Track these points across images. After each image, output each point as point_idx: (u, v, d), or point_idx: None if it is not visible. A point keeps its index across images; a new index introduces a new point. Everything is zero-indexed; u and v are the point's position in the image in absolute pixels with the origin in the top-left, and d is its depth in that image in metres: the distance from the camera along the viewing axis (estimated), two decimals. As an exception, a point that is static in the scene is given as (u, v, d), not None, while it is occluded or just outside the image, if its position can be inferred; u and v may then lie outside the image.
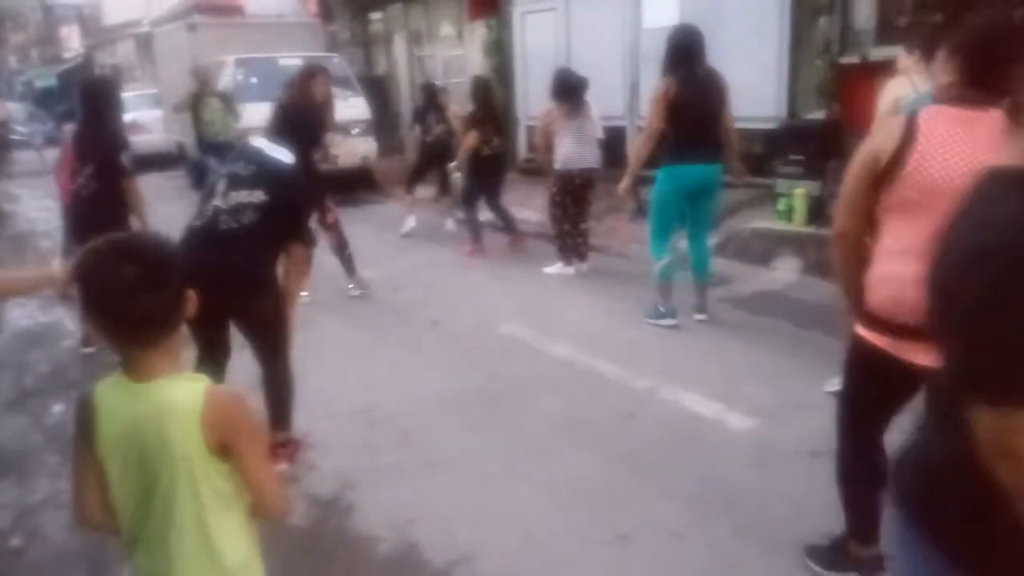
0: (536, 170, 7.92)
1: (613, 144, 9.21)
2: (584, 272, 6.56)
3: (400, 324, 5.54)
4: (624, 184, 5.37)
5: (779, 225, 6.59)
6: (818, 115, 7.03)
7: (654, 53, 8.44)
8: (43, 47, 36.51)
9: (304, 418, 3.73)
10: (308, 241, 3.42)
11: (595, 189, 6.65)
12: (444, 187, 8.71)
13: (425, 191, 8.86)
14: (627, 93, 9.33)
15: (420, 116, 8.45)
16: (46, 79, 31.74)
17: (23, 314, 6.12)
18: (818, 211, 6.27)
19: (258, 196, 3.16)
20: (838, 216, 2.26)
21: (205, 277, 3.08)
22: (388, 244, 7.90)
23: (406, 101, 14.00)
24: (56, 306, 6.25)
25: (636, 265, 6.56)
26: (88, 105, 4.78)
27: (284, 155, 3.32)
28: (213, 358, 3.31)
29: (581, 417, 3.92)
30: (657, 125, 4.84)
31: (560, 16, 10.18)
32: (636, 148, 4.87)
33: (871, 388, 2.36)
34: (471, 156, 7.26)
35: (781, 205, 6.61)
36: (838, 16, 7.18)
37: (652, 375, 4.33)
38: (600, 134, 6.47)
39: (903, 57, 4.02)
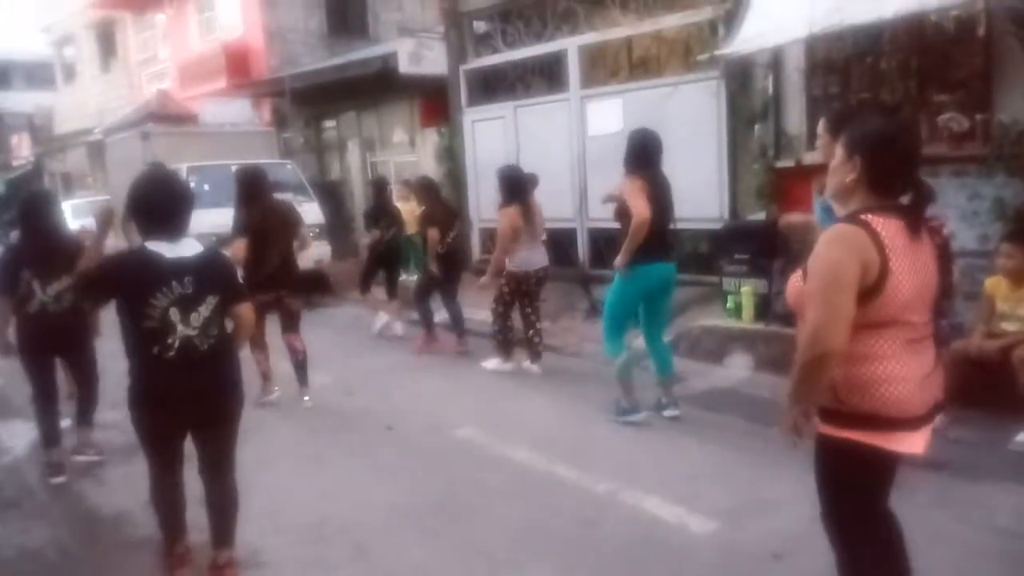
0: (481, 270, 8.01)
1: (564, 245, 9.46)
2: (537, 372, 6.56)
3: (354, 430, 5.43)
4: (620, 261, 5.07)
5: (728, 322, 6.73)
6: (759, 216, 7.31)
7: (599, 158, 8.91)
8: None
9: (250, 533, 3.58)
10: (245, 294, 3.40)
11: (543, 287, 6.79)
12: (392, 290, 8.68)
13: (377, 292, 8.86)
14: (576, 197, 9.61)
15: (374, 219, 8.48)
16: (-7, 186, 31.38)
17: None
18: (765, 308, 6.44)
19: (212, 302, 3.12)
20: (829, 334, 2.09)
21: (196, 397, 3.12)
22: (341, 348, 7.82)
23: (360, 205, 14.18)
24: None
25: (591, 364, 6.60)
26: (29, 220, 4.71)
27: (193, 246, 3.14)
28: (174, 472, 3.25)
29: (541, 526, 3.84)
30: (648, 214, 4.81)
31: (508, 123, 10.55)
32: (630, 240, 4.88)
33: (869, 485, 2.33)
34: (434, 256, 7.34)
35: (729, 303, 6.77)
36: (771, 123, 7.59)
37: (611, 478, 4.28)
38: (543, 235, 6.67)
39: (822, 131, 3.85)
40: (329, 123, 15.88)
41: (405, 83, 12.27)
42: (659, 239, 5.01)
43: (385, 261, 8.48)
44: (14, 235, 5.97)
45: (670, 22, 8.66)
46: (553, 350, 7.08)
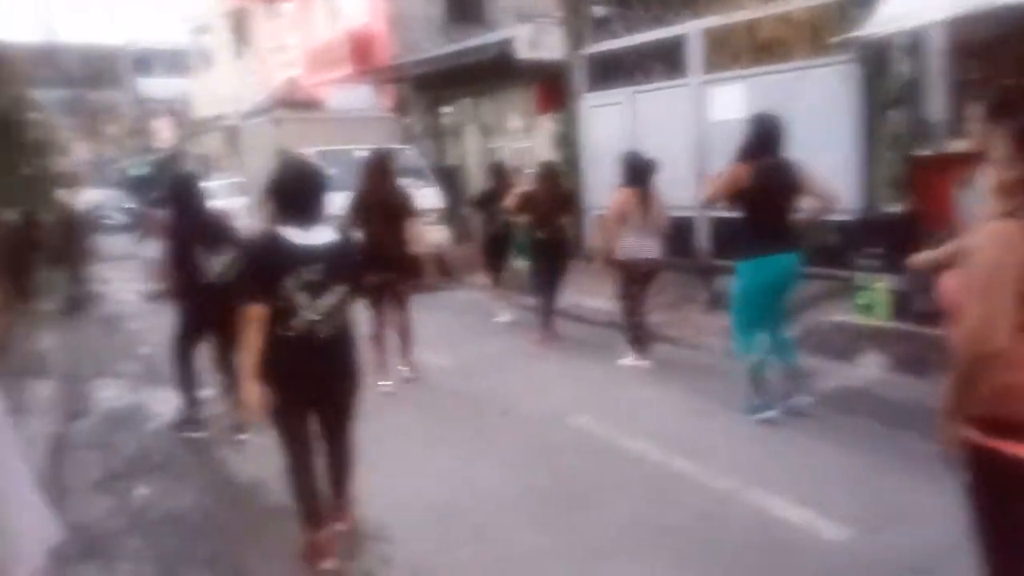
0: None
1: (682, 234, 9.27)
2: (645, 366, 6.40)
3: (470, 414, 5.54)
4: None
5: (860, 319, 6.43)
6: (894, 208, 6.94)
7: (721, 144, 8.66)
8: (136, 138, 38.94)
9: (375, 509, 3.73)
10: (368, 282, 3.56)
11: (655, 280, 6.58)
12: (501, 275, 8.65)
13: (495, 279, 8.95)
14: (695, 184, 9.40)
15: (485, 203, 8.50)
16: (139, 168, 33.79)
17: (111, 395, 6.36)
18: (902, 306, 6.11)
19: (339, 291, 3.26)
20: (990, 332, 2.02)
21: (314, 380, 3.30)
22: (457, 331, 7.99)
23: (476, 190, 14.39)
24: (143, 387, 6.50)
25: (709, 357, 6.47)
26: (178, 200, 5.09)
27: (326, 234, 3.29)
28: (304, 443, 3.42)
29: (657, 519, 3.82)
30: (715, 199, 4.99)
31: (626, 109, 10.42)
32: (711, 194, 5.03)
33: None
34: (532, 241, 7.30)
35: (861, 299, 6.47)
36: (910, 109, 7.17)
37: (732, 476, 4.20)
38: (665, 223, 6.41)
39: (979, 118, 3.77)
40: (447, 109, 16.15)
41: (522, 69, 12.31)
42: (779, 229, 4.84)
43: (501, 247, 8.52)
44: (154, 214, 6.43)
45: (799, 3, 8.31)
46: (670, 341, 6.97)
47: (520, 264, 8.34)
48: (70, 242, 10.76)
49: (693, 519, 3.78)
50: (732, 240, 5.05)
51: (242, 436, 4.99)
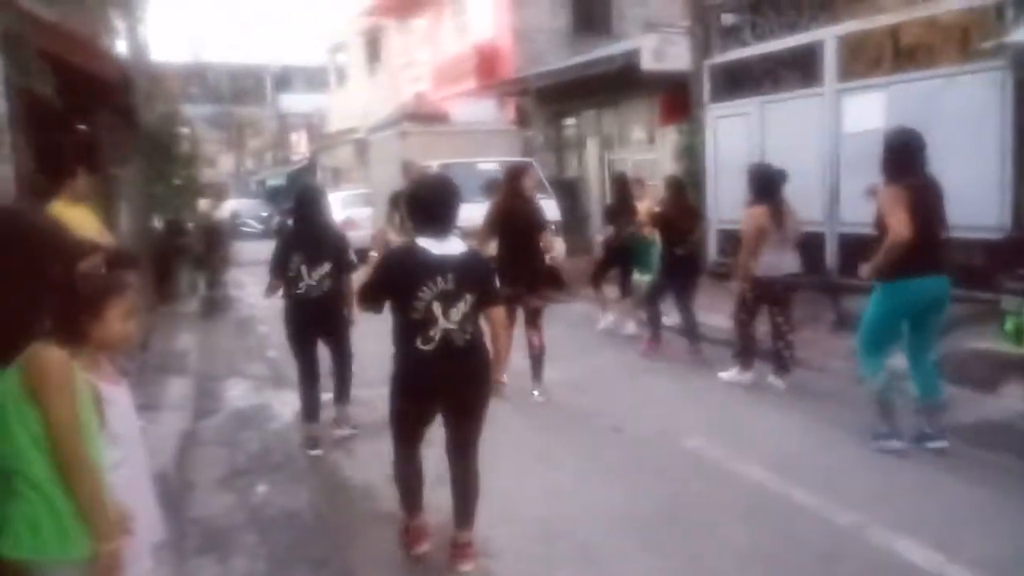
0: (726, 274, 7.69)
1: (811, 250, 8.84)
2: (781, 387, 6.13)
3: (581, 429, 5.46)
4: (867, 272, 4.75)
5: (1006, 346, 5.91)
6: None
7: (857, 157, 8.20)
8: (275, 150, 41.27)
9: (480, 522, 3.72)
10: (499, 296, 3.52)
11: (795, 296, 6.35)
12: (625, 288, 8.63)
13: (608, 291, 8.85)
14: (826, 198, 8.95)
15: (613, 216, 8.50)
16: (276, 178, 35.81)
17: (239, 394, 6.70)
18: (1055, 334, 5.58)
19: (470, 301, 3.30)
20: None
21: (449, 389, 3.37)
22: (571, 344, 7.92)
23: (596, 203, 14.30)
24: (268, 388, 6.81)
25: (835, 382, 6.13)
26: (302, 210, 5.26)
27: (458, 245, 3.37)
28: (416, 453, 3.57)
29: (774, 552, 3.61)
30: (907, 233, 4.40)
31: (753, 120, 10.05)
32: (884, 256, 4.49)
33: None
34: (665, 255, 7.21)
35: (1008, 324, 5.94)
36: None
37: (856, 511, 3.92)
38: (799, 236, 6.24)
39: None
40: (569, 121, 16.16)
41: (646, 80, 12.15)
42: (928, 250, 4.52)
43: (620, 259, 8.45)
44: (288, 222, 6.71)
45: (948, 5, 7.76)
46: (795, 363, 6.64)
47: (643, 278, 8.23)
48: (211, 248, 11.45)
49: (813, 556, 3.55)
50: (863, 257, 4.73)
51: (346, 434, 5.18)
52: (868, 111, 8.29)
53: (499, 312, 3.48)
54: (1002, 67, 6.99)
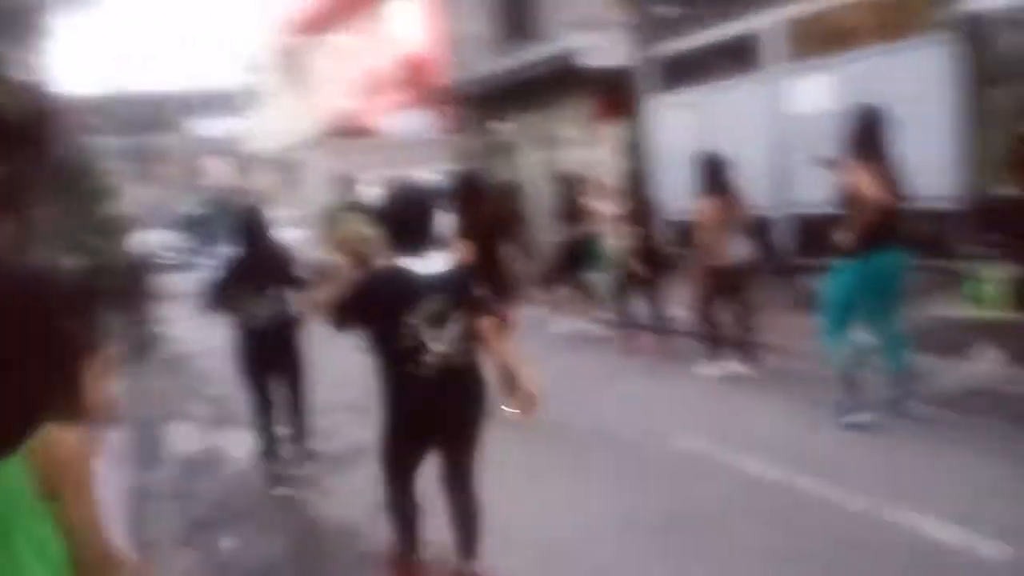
0: (678, 266, 7.60)
1: (762, 235, 8.80)
2: (750, 374, 6.05)
3: (564, 439, 5.17)
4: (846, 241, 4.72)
5: (970, 311, 5.92)
6: (1006, 191, 6.37)
7: (802, 138, 8.20)
8: (189, 178, 39.79)
9: (484, 549, 3.42)
10: (494, 307, 3.30)
11: (749, 281, 6.28)
12: (582, 290, 8.45)
13: (562, 293, 8.64)
14: (777, 182, 8.94)
15: (563, 216, 8.34)
16: (191, 207, 34.41)
17: (184, 439, 6.17)
18: (1022, 295, 5.59)
19: (459, 317, 2.99)
20: None
21: (449, 414, 3.03)
22: (530, 349, 7.63)
23: (536, 206, 14.10)
24: (215, 428, 6.31)
25: (807, 363, 6.02)
26: (248, 234, 4.82)
27: (440, 261, 3.05)
28: (412, 487, 3.23)
29: (795, 546, 3.42)
30: (884, 199, 4.45)
31: (696, 110, 10.01)
32: (861, 224, 4.49)
33: None
34: (633, 253, 7.10)
35: (970, 290, 5.96)
36: (1017, 85, 6.59)
37: (867, 493, 3.78)
38: (749, 222, 6.23)
39: None
40: (504, 125, 15.95)
41: (581, 78, 11.99)
42: (888, 226, 4.55)
43: (575, 260, 8.27)
44: (228, 250, 6.21)
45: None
46: (761, 349, 6.54)
47: (598, 278, 8.07)
48: (131, 285, 10.75)
49: (836, 544, 3.38)
50: (816, 237, 4.71)
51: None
52: (814, 92, 8.31)
53: (490, 325, 3.18)
54: (945, 41, 7.00)
